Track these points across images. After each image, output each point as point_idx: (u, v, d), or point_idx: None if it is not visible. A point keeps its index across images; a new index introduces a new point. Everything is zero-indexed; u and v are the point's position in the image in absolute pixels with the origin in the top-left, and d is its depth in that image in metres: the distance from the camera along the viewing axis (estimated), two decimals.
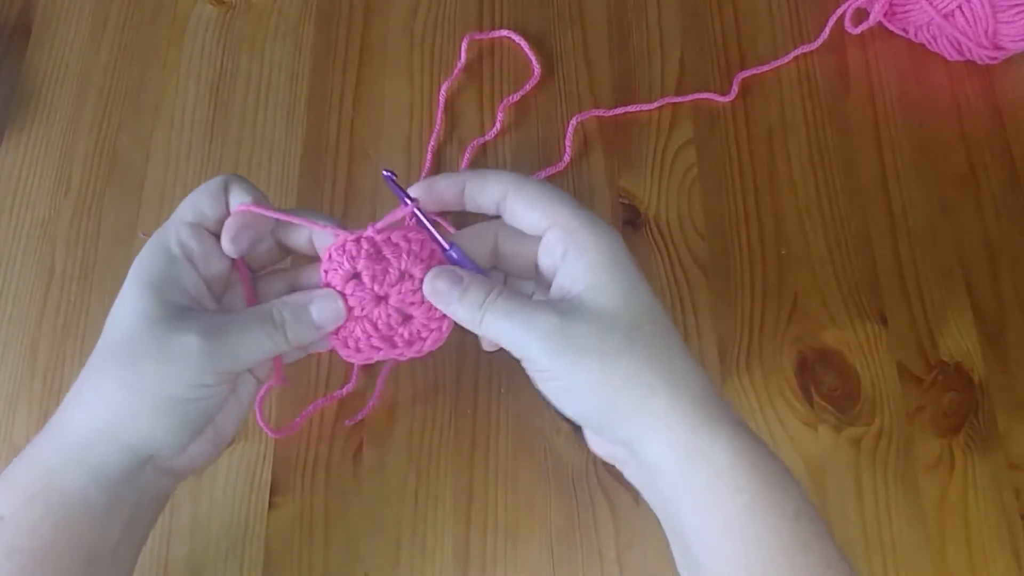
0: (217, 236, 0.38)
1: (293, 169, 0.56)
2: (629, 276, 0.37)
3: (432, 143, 0.56)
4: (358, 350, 0.39)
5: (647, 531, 0.47)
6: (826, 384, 0.50)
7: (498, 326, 0.36)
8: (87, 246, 0.54)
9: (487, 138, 0.57)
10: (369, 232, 0.39)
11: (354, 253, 0.38)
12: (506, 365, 0.50)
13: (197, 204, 0.38)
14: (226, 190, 0.38)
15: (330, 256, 0.39)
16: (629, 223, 0.55)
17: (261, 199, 0.39)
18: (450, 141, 0.57)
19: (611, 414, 0.36)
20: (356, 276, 0.38)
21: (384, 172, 0.40)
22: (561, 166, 0.56)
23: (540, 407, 0.49)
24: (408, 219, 0.39)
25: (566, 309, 0.36)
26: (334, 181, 0.56)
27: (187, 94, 0.58)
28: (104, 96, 0.59)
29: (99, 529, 0.36)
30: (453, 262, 0.39)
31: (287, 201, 0.55)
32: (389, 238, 0.39)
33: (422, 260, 0.39)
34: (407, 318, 0.39)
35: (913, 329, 0.52)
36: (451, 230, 0.40)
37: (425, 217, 0.39)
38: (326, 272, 0.39)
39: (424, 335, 0.39)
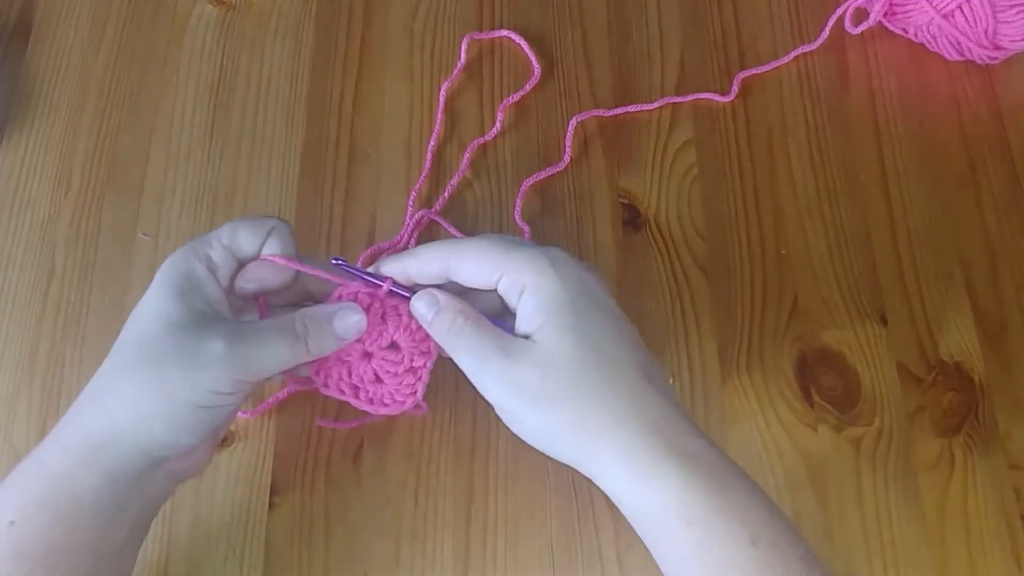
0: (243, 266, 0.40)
1: (293, 169, 0.56)
2: (576, 314, 0.37)
3: (432, 143, 0.56)
4: (326, 385, 0.41)
5: None
6: (826, 384, 0.50)
7: (460, 357, 0.38)
8: (87, 246, 0.54)
9: (487, 138, 0.57)
10: (385, 287, 0.40)
11: (364, 305, 0.40)
12: None
13: (236, 231, 0.39)
14: (268, 234, 0.40)
15: (340, 297, 0.41)
16: (629, 223, 0.55)
17: (292, 255, 0.40)
18: (450, 141, 0.57)
19: (565, 454, 0.37)
20: None
21: (334, 261, 0.41)
22: (561, 166, 0.56)
23: None
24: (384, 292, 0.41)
25: (515, 352, 0.37)
26: (334, 181, 0.56)
27: (187, 94, 0.58)
28: (104, 96, 0.58)
29: (108, 530, 0.36)
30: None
31: (287, 201, 0.55)
32: (396, 307, 0.41)
33: (413, 338, 0.41)
34: (379, 381, 0.41)
35: (913, 329, 0.52)
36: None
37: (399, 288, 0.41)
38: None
39: (387, 402, 0.42)
